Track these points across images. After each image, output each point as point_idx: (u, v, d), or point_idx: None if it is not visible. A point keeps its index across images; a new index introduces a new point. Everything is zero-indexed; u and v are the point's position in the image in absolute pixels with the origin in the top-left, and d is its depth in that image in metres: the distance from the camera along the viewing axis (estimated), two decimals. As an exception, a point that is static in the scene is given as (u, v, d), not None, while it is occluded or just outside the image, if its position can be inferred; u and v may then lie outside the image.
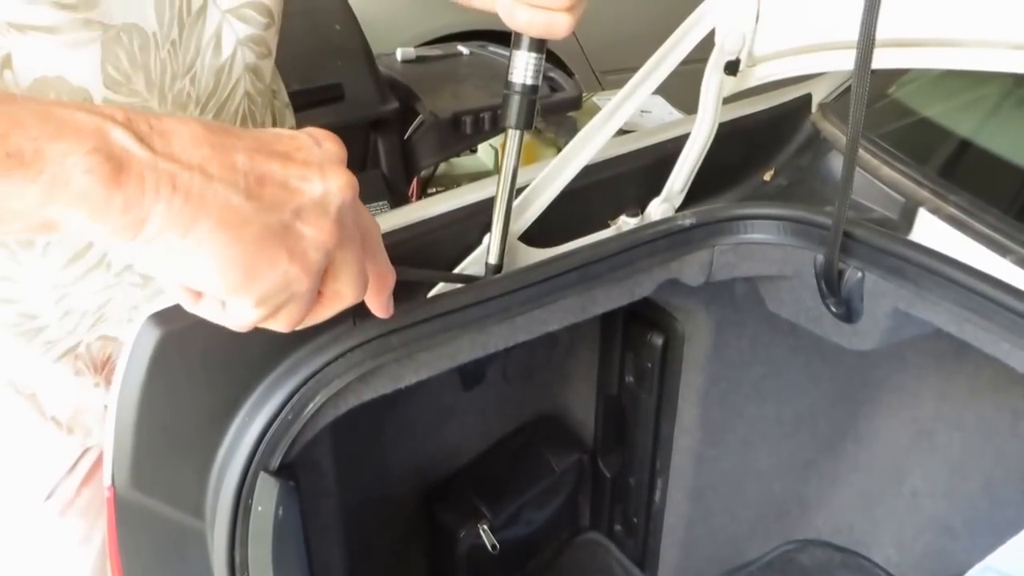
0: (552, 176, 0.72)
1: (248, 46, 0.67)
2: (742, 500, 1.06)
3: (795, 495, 1.11)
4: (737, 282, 0.87)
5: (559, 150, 2.32)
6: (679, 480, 1.01)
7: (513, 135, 0.64)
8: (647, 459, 1.03)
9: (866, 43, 0.57)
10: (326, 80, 1.54)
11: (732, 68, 0.77)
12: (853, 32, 0.70)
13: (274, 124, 0.82)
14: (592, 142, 0.73)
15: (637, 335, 0.98)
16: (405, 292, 0.66)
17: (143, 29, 0.58)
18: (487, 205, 0.72)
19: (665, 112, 2.24)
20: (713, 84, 0.76)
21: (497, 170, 0.94)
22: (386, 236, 0.61)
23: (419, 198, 2.15)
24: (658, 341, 0.95)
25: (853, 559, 1.12)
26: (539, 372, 1.06)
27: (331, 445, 0.74)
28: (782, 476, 1.07)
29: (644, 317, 0.96)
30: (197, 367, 0.59)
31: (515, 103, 0.62)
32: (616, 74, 2.75)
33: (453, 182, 2.26)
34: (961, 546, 1.07)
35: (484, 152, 2.25)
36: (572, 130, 2.15)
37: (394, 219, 0.69)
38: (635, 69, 0.74)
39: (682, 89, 0.96)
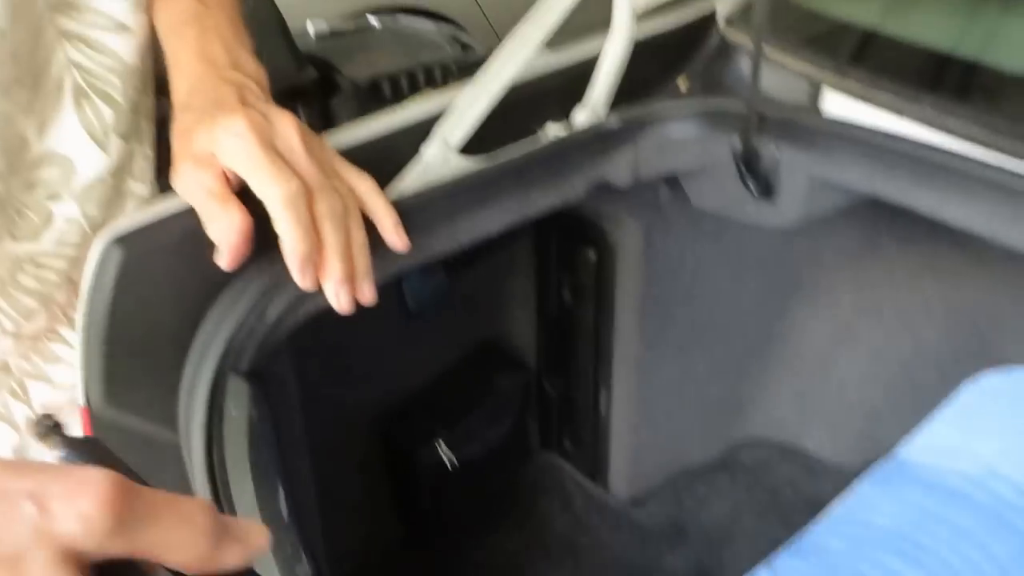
0: (482, 89, 0.76)
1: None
2: (682, 405, 1.12)
3: (732, 397, 1.17)
4: (661, 188, 0.92)
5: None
6: (622, 390, 1.06)
7: None
8: (590, 373, 1.07)
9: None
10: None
11: (642, -21, 0.81)
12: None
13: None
14: (519, 52, 0.76)
15: (571, 253, 1.02)
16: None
17: None
18: (424, 125, 0.75)
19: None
20: (624, -3, 0.80)
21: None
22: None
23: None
24: (592, 256, 1.00)
25: (790, 453, 1.19)
26: (481, 302, 1.09)
27: (293, 363, 0.76)
28: (718, 379, 1.13)
29: (576, 234, 1.00)
30: (161, 284, 0.61)
31: None
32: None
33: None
34: (886, 426, 1.15)
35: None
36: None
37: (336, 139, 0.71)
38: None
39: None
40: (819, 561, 1.00)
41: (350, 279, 0.57)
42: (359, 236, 0.58)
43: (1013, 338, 1.09)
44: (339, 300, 0.57)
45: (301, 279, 0.56)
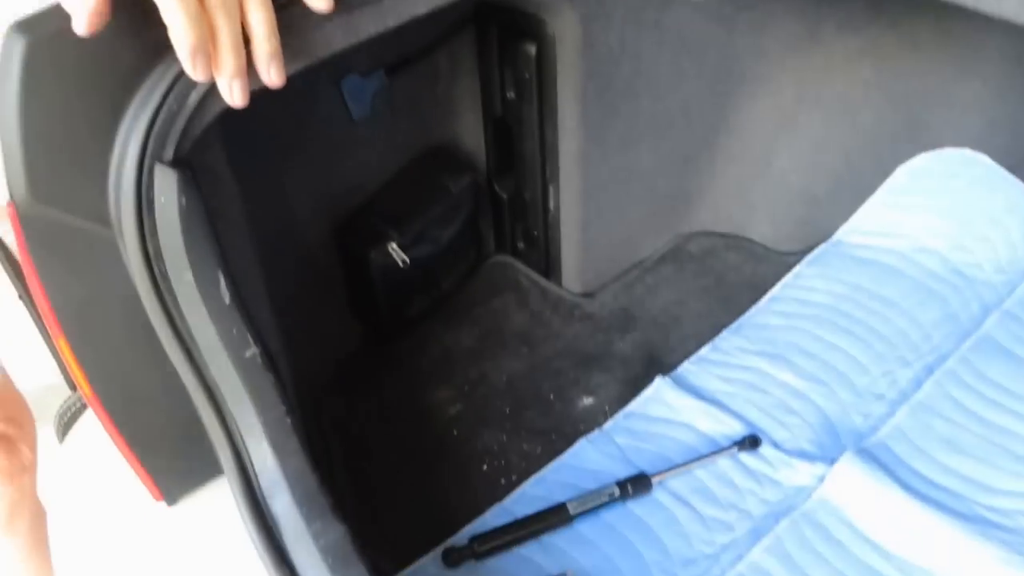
0: None
1: None
2: (630, 199, 1.14)
3: (678, 190, 1.19)
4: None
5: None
6: (569, 184, 1.07)
7: None
8: (537, 170, 1.08)
9: None
10: None
11: None
12: None
13: None
14: None
15: (512, 49, 1.00)
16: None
17: None
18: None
19: None
20: None
21: None
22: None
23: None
24: (531, 50, 0.98)
25: (735, 241, 1.22)
26: (425, 106, 1.08)
27: (230, 162, 0.76)
28: (664, 173, 1.15)
29: (515, 28, 0.98)
30: (75, 73, 0.59)
31: None
32: None
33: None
34: (825, 212, 1.19)
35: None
36: None
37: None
38: None
39: None
40: (758, 337, 1.05)
41: (241, 73, 0.55)
42: (261, 21, 0.55)
43: (945, 120, 1.11)
44: (231, 95, 0.56)
45: (193, 72, 0.54)
